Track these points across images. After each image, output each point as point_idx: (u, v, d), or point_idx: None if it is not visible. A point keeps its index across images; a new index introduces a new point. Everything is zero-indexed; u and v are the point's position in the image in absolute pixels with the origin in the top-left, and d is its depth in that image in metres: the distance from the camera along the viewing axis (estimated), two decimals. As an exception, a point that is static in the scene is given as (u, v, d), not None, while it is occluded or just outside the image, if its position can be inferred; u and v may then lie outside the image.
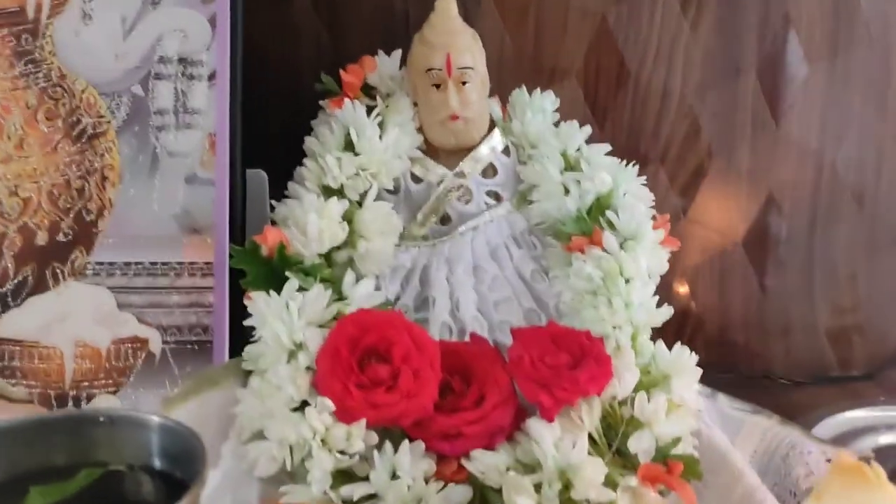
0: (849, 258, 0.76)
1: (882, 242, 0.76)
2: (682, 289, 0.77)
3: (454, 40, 0.61)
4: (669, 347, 0.53)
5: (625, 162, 0.60)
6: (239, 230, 0.56)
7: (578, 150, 0.61)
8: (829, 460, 0.59)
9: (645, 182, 0.60)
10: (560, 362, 0.49)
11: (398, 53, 0.64)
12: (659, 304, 0.55)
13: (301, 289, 0.51)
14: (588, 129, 0.62)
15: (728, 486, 0.53)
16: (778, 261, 0.77)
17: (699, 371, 0.53)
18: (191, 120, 0.55)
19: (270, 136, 0.63)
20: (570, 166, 0.60)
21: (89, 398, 0.53)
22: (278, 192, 0.60)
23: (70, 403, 0.53)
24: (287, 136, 0.62)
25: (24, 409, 0.53)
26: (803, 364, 0.78)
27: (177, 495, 0.34)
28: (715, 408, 0.60)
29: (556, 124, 0.64)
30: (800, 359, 0.79)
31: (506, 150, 0.62)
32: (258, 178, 0.65)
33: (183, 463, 0.36)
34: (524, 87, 0.64)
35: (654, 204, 0.60)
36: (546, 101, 0.64)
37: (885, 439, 0.65)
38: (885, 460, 0.62)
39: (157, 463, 0.38)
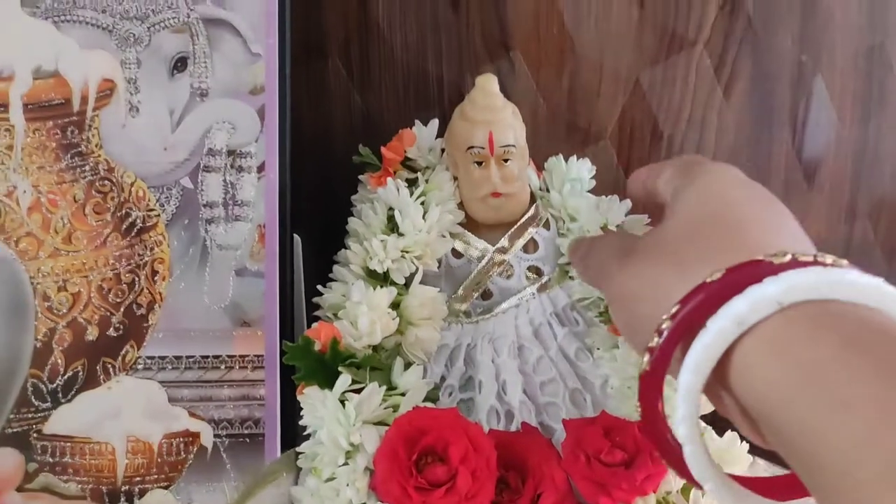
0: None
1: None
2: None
3: (496, 117, 0.60)
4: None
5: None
6: (288, 324, 0.55)
7: (619, 225, 0.62)
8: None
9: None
10: (616, 460, 0.49)
11: (435, 123, 0.64)
12: None
13: (353, 381, 0.51)
14: (629, 203, 0.62)
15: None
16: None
17: (750, 459, 0.54)
18: (240, 212, 0.55)
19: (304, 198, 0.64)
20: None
21: (142, 493, 0.54)
22: (308, 252, 0.60)
23: (122, 499, 0.53)
24: (319, 197, 0.63)
25: (75, 506, 0.53)
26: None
27: None
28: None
29: (592, 191, 0.64)
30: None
31: (546, 224, 0.63)
32: (292, 242, 0.65)
33: None
34: (560, 156, 0.64)
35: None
36: (583, 170, 0.64)
37: None
38: None
39: None
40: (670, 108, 0.72)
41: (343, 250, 0.60)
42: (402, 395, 0.53)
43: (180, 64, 0.54)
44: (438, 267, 0.61)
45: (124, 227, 0.54)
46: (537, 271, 0.62)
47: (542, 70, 0.71)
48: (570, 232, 0.62)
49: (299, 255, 0.65)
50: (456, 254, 0.62)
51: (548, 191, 0.64)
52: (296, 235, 0.65)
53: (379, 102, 0.72)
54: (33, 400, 0.54)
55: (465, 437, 0.49)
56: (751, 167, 0.73)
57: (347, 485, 0.49)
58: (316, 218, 0.62)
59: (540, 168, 0.65)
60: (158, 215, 0.54)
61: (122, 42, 0.54)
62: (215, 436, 0.54)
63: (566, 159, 0.64)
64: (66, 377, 0.54)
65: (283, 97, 0.54)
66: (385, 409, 0.52)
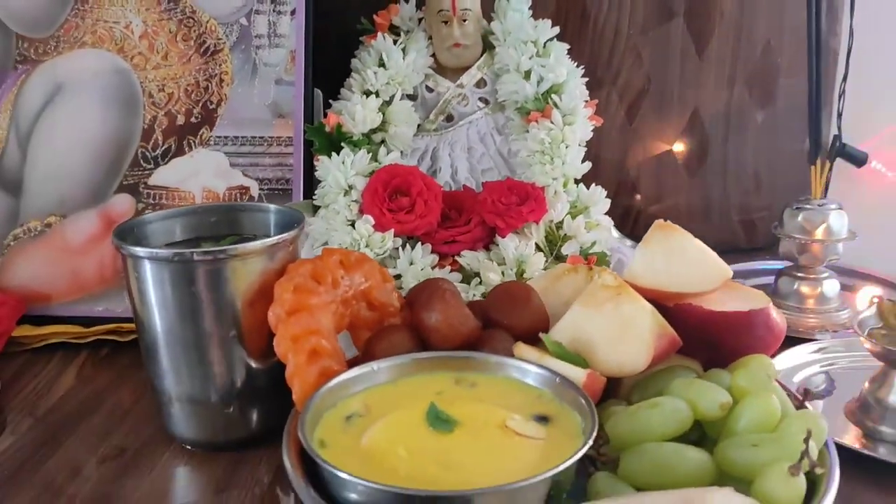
0: (754, 159, 1.02)
1: (778, 148, 1.01)
2: (630, 179, 1.03)
3: (458, -11, 0.87)
4: (618, 223, 0.81)
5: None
6: (309, 117, 0.82)
7: (546, 44, 0.86)
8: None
9: (586, 80, 0.86)
10: (511, 201, 0.76)
11: (413, 1, 0.90)
12: (610, 193, 0.81)
13: (351, 152, 0.78)
14: (557, 29, 0.87)
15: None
16: (701, 161, 1.02)
17: (608, 202, 0.80)
18: (279, 42, 0.81)
19: (325, 61, 0.89)
20: (539, 53, 0.85)
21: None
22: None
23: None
24: (337, 61, 0.89)
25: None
26: (721, 240, 1.04)
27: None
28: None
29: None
30: (718, 236, 1.04)
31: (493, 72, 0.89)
32: (317, 95, 0.91)
33: (290, 229, 0.63)
34: None
35: (596, 111, 0.85)
36: (522, 3, 0.86)
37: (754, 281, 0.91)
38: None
39: (275, 232, 0.64)
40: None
41: (347, 79, 0.86)
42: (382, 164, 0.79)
43: (241, -61, 0.81)
44: (415, 98, 0.87)
45: (202, 50, 0.81)
46: (485, 101, 0.88)
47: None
48: (505, 43, 0.86)
49: (320, 100, 0.91)
50: (428, 89, 0.88)
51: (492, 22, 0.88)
52: (319, 91, 0.92)
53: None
54: (141, 162, 0.81)
55: (422, 181, 0.76)
56: (655, 41, 0.98)
57: (345, 209, 0.76)
58: (336, 77, 0.88)
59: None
60: (224, 42, 0.81)
61: (202, -75, 0.80)
62: (260, 189, 0.81)
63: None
64: (163, 148, 0.81)
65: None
66: (371, 170, 0.78)
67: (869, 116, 1.01)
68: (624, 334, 0.56)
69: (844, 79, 0.99)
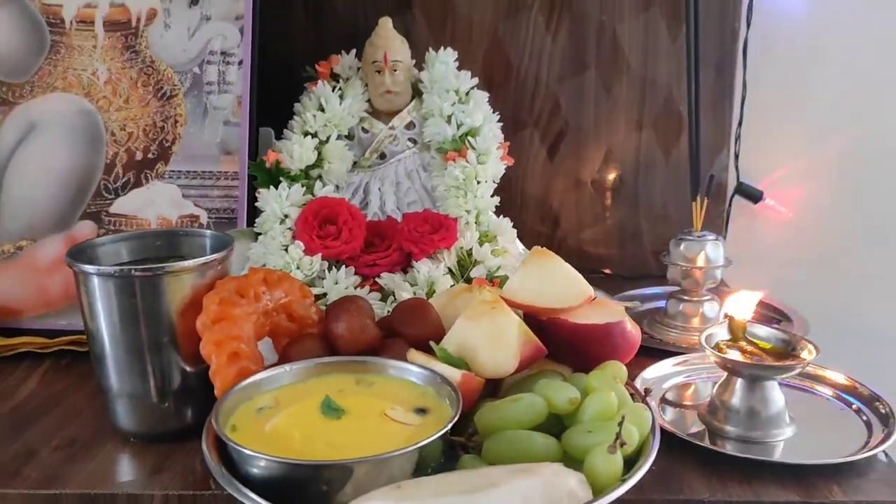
0: (661, 195, 1.13)
1: (681, 184, 1.13)
2: (553, 213, 1.14)
3: (390, 44, 0.98)
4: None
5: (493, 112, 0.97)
6: (254, 154, 0.93)
7: (468, 92, 0.98)
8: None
9: (505, 122, 0.98)
10: (425, 230, 0.87)
11: (353, 52, 1.01)
12: (536, 224, 0.92)
13: (288, 185, 0.89)
14: (476, 80, 0.98)
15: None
16: (615, 196, 1.14)
17: (514, 231, 0.91)
18: (227, 88, 0.93)
19: (274, 104, 1.01)
20: (461, 100, 0.97)
21: (165, 249, 0.91)
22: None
23: (153, 252, 0.91)
24: (285, 104, 1.00)
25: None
26: (634, 266, 1.16)
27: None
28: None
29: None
30: (632, 264, 1.16)
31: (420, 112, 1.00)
32: (267, 132, 1.02)
33: (222, 242, 0.73)
34: (431, 50, 0.98)
35: (520, 150, 0.97)
36: (448, 56, 0.98)
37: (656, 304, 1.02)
38: (646, 313, 0.99)
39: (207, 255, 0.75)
40: (517, 48, 1.09)
41: (290, 121, 0.97)
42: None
43: (194, 2, 0.93)
44: (352, 138, 0.98)
45: (159, 94, 0.92)
46: (414, 141, 1.00)
47: (432, 22, 1.09)
48: (430, 91, 0.98)
49: (271, 138, 1.02)
50: (364, 130, 0.99)
51: (421, 72, 1.00)
52: (270, 129, 1.03)
53: (325, 38, 1.09)
54: (103, 193, 0.92)
55: (348, 212, 0.87)
56: (571, 89, 1.10)
57: (280, 235, 0.86)
58: (282, 117, 0.99)
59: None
60: (179, 89, 0.92)
61: (162, -13, 0.92)
62: (209, 217, 0.92)
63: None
64: (123, 180, 0.92)
65: (254, 23, 0.92)
66: (304, 202, 0.89)
67: (765, 159, 1.13)
68: (497, 342, 0.67)
69: (739, 124, 1.11)
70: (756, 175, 1.14)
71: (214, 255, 0.70)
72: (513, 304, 0.71)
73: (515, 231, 0.91)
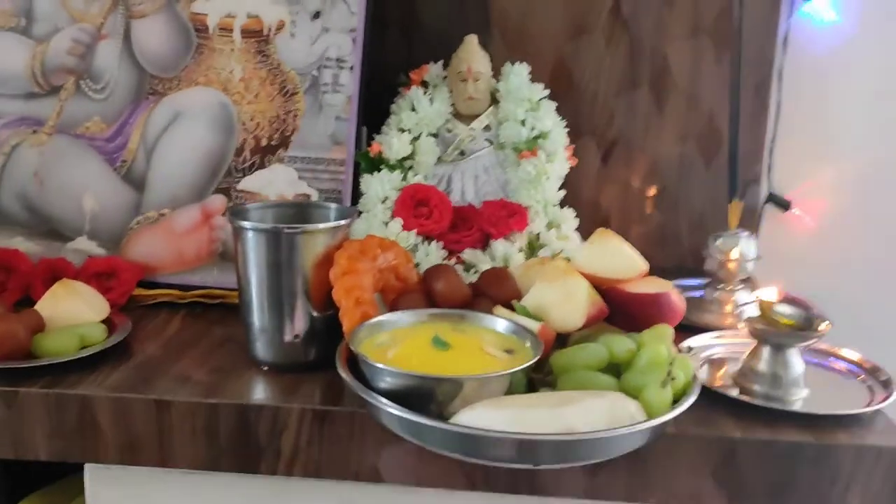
0: (699, 201, 1.29)
1: (718, 191, 1.28)
2: (603, 211, 1.30)
3: (473, 58, 1.15)
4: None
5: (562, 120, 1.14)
6: (358, 145, 1.11)
7: (539, 101, 1.14)
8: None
9: (567, 129, 1.14)
10: (502, 214, 1.03)
11: (441, 62, 1.19)
12: (587, 223, 1.09)
13: (388, 172, 1.06)
14: (547, 91, 1.15)
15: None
16: (659, 200, 1.30)
17: (576, 220, 1.07)
18: (339, 89, 1.10)
19: (373, 104, 1.18)
20: (532, 108, 1.14)
21: (281, 221, 1.09)
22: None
23: (272, 223, 1.09)
24: (382, 105, 1.17)
25: (250, 224, 1.08)
26: (674, 262, 1.31)
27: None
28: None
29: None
30: (672, 260, 1.32)
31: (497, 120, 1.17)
32: (363, 130, 1.20)
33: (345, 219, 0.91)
34: (508, 63, 1.16)
35: (575, 155, 1.14)
36: (522, 69, 1.15)
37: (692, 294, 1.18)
38: (686, 300, 1.15)
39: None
40: (580, 66, 1.26)
41: (388, 119, 1.15)
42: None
43: (317, 14, 1.10)
44: (438, 136, 1.15)
45: (283, 92, 1.10)
46: (490, 142, 1.16)
47: (509, 43, 1.26)
48: (505, 99, 1.14)
49: (364, 135, 1.20)
50: (448, 131, 1.16)
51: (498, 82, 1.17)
52: (363, 127, 1.21)
53: (419, 49, 1.26)
54: (233, 172, 1.10)
55: (438, 197, 1.04)
56: (626, 107, 1.26)
57: (381, 214, 1.04)
58: (379, 119, 1.16)
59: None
60: (299, 88, 1.10)
61: (291, 3, 1.10)
62: (319, 196, 1.09)
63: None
64: (249, 162, 1.10)
65: (365, 35, 1.10)
66: (402, 186, 1.06)
67: (795, 171, 1.29)
68: (568, 301, 0.83)
69: (773, 140, 1.27)
70: (785, 187, 1.29)
71: (342, 221, 0.87)
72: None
73: (578, 220, 1.08)
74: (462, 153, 1.15)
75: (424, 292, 0.89)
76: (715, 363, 0.95)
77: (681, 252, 1.31)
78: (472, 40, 1.15)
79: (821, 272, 1.29)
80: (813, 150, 1.29)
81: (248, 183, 1.10)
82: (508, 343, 0.81)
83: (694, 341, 0.97)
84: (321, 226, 0.85)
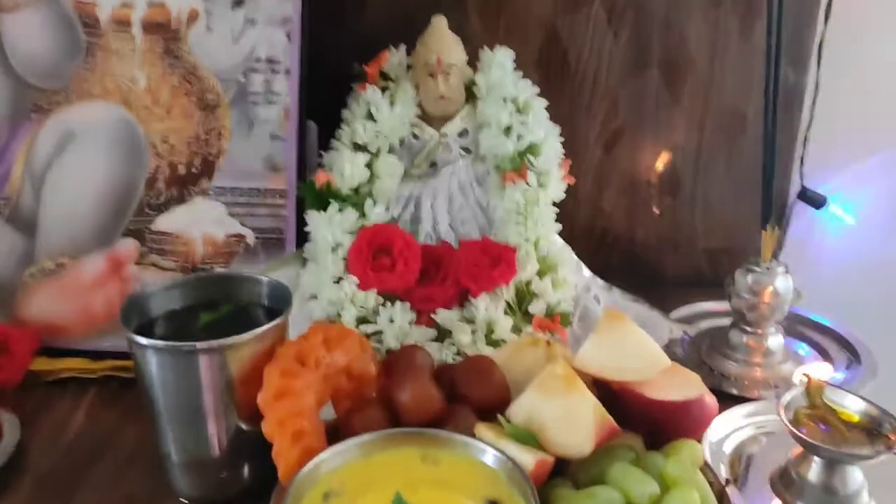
0: (718, 198, 1.08)
1: (741, 187, 1.07)
2: (605, 212, 1.10)
3: (444, 46, 0.91)
4: (592, 253, 0.87)
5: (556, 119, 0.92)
6: (303, 169, 0.88)
7: (526, 100, 0.92)
8: (671, 330, 0.94)
9: (562, 140, 0.92)
10: (483, 264, 0.82)
11: (403, 48, 0.95)
12: (587, 223, 0.87)
13: (339, 209, 0.85)
14: (537, 89, 0.92)
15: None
16: (671, 197, 1.09)
17: (577, 262, 0.87)
18: (273, 99, 0.87)
19: (317, 99, 0.94)
20: (519, 110, 0.91)
21: (205, 272, 0.88)
22: (323, 137, 0.92)
23: (195, 270, 0.88)
24: (329, 101, 0.94)
25: (170, 276, 0.87)
26: (686, 272, 1.12)
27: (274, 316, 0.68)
28: (611, 297, 0.94)
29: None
30: (683, 268, 1.12)
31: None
32: (311, 126, 0.97)
33: (279, 301, 0.70)
34: (487, 48, 0.92)
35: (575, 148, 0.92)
36: (506, 57, 0.92)
37: (711, 322, 0.99)
38: (704, 336, 0.96)
39: (265, 302, 0.72)
40: (576, 44, 1.02)
41: (338, 130, 0.92)
42: (369, 222, 0.86)
43: (238, 3, 0.86)
44: (402, 144, 0.93)
45: (203, 105, 0.87)
46: (466, 150, 0.94)
47: (484, 19, 1.01)
48: (486, 98, 0.91)
49: (314, 133, 0.97)
50: (414, 136, 0.93)
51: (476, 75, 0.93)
52: (311, 122, 0.97)
53: (370, 31, 1.02)
54: (146, 209, 0.87)
55: (403, 241, 0.83)
56: (632, 93, 1.03)
57: (332, 266, 0.82)
58: (328, 110, 0.93)
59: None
60: (223, 99, 0.87)
61: (203, -14, 0.85)
62: (255, 238, 0.88)
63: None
64: (165, 196, 0.87)
65: (303, 24, 0.86)
66: (357, 227, 0.85)
67: (831, 164, 1.07)
68: (570, 423, 0.64)
69: (808, 127, 1.05)
70: (819, 180, 1.08)
71: (274, 322, 0.66)
72: (584, 374, 0.68)
73: (579, 262, 0.87)
74: (433, 165, 0.93)
75: (384, 402, 0.69)
76: (749, 453, 0.77)
77: (695, 261, 1.11)
78: (441, 23, 0.92)
79: (858, 278, 1.10)
80: (854, 136, 1.07)
81: (164, 222, 0.88)
82: (494, 487, 0.62)
83: (722, 423, 0.77)
84: (244, 336, 0.65)
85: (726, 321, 0.95)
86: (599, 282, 0.95)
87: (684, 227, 1.10)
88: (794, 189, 1.08)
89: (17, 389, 0.83)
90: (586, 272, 0.94)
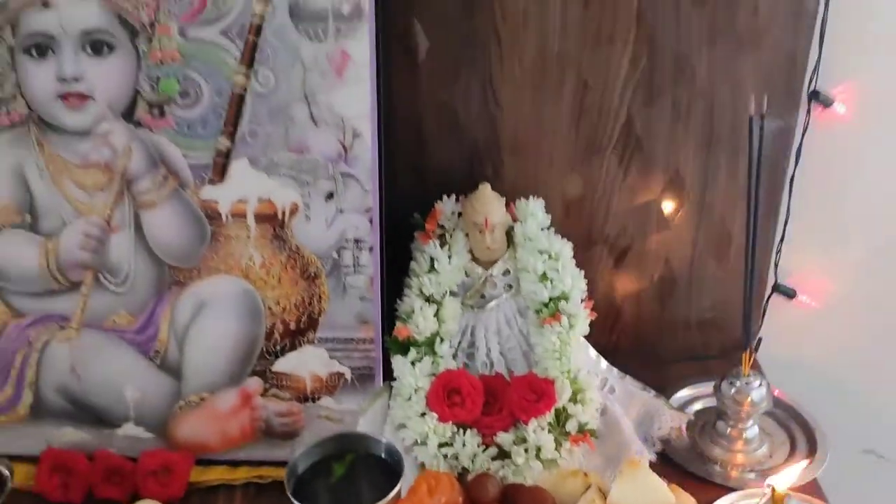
0: (710, 286, 1.33)
1: (733, 272, 1.32)
2: (616, 302, 1.35)
3: (490, 208, 1.14)
4: (604, 337, 1.14)
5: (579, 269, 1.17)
6: (386, 322, 1.13)
7: (557, 251, 1.16)
8: (672, 419, 1.21)
9: (586, 283, 1.17)
10: (530, 398, 1.09)
11: (453, 198, 1.18)
12: (602, 311, 1.14)
13: (418, 357, 1.10)
14: (569, 244, 1.17)
15: (614, 439, 1.15)
16: (669, 291, 1.34)
17: (594, 356, 1.14)
18: (361, 270, 1.11)
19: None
20: (552, 258, 1.16)
21: (315, 400, 1.14)
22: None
23: (309, 400, 1.14)
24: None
25: (287, 405, 1.13)
26: (680, 347, 1.38)
27: (390, 472, 0.95)
28: (623, 386, 1.21)
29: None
30: (678, 344, 1.38)
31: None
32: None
33: (393, 455, 0.97)
34: (522, 200, 1.17)
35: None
36: (538, 208, 1.18)
37: (706, 402, 1.26)
38: (700, 416, 1.24)
39: (383, 455, 0.99)
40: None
41: (407, 279, 1.16)
42: (441, 357, 1.12)
43: (330, 197, 1.09)
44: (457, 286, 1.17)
45: (305, 276, 1.11)
46: (509, 286, 1.19)
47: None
48: (524, 246, 1.17)
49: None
50: (467, 275, 1.18)
51: (515, 223, 1.18)
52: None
53: (429, 182, 1.24)
54: (266, 355, 1.13)
55: (469, 383, 1.09)
56: (638, 218, 1.27)
57: (417, 405, 1.09)
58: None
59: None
60: (322, 271, 1.11)
61: (301, 185, 1.08)
62: (352, 373, 1.14)
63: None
64: (280, 345, 1.13)
65: (381, 214, 1.09)
66: (433, 371, 1.11)
67: (802, 266, 1.33)
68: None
69: (781, 240, 1.30)
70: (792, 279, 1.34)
71: (395, 490, 0.93)
72: (613, 507, 0.96)
73: (598, 356, 1.14)
74: (482, 296, 1.18)
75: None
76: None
77: (691, 342, 1.37)
78: (486, 189, 1.15)
79: (825, 353, 1.37)
80: (820, 237, 1.31)
81: (281, 365, 1.13)
82: None
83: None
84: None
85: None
86: (615, 371, 1.21)
87: (680, 316, 1.36)
88: (770, 283, 1.34)
89: (181, 499, 1.11)
90: (603, 364, 1.21)
